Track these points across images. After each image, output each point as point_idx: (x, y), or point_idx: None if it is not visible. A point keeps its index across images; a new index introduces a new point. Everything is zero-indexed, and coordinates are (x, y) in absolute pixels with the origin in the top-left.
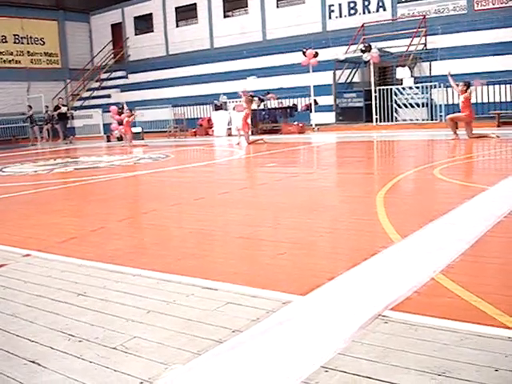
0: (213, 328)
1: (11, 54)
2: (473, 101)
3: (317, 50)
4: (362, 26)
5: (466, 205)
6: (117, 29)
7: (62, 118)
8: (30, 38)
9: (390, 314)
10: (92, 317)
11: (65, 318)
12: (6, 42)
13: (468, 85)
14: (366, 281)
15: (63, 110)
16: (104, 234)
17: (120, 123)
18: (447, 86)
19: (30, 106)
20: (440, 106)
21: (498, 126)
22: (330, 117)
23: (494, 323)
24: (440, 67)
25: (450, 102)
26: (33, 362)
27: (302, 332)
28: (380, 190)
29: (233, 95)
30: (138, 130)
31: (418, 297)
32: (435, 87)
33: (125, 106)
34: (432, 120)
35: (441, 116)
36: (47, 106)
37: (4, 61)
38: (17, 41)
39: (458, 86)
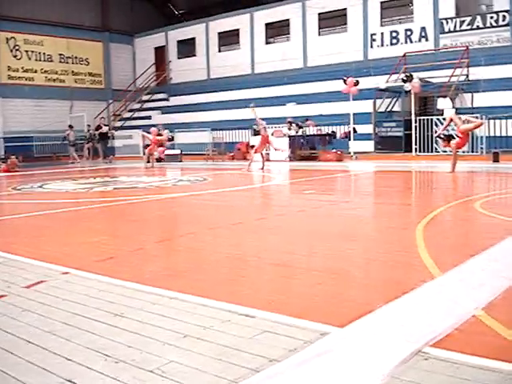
0: (249, 356)
1: (56, 72)
2: (503, 134)
3: (358, 79)
4: (404, 55)
5: (508, 240)
6: (160, 52)
7: (103, 137)
8: (75, 57)
9: (431, 351)
10: (129, 338)
11: (101, 337)
12: (52, 61)
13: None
14: (405, 315)
15: (104, 129)
16: (142, 255)
17: (160, 145)
18: (489, 118)
19: (70, 126)
20: (481, 137)
21: None
22: (369, 145)
23: None
24: (482, 99)
25: (492, 134)
26: (69, 380)
27: (341, 365)
28: (419, 222)
29: (272, 121)
30: (177, 151)
31: (459, 334)
32: (477, 119)
33: (160, 128)
34: (473, 152)
35: (481, 148)
36: (89, 125)
37: (49, 79)
38: (62, 60)
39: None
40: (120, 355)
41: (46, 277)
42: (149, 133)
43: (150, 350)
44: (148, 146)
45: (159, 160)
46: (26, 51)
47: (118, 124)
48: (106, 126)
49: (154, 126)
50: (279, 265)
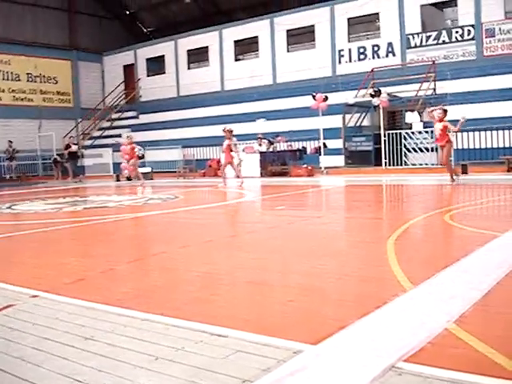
0: (222, 377)
1: (24, 92)
2: (482, 146)
3: (326, 94)
4: (372, 70)
5: (479, 252)
6: (129, 70)
7: (73, 156)
8: (43, 76)
9: (404, 366)
10: (99, 362)
11: (72, 362)
12: (19, 80)
13: (445, 111)
14: (378, 330)
15: (74, 148)
16: (112, 276)
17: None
18: (456, 131)
19: (10, 142)
20: None
21: (508, 171)
22: (339, 160)
23: (510, 376)
24: (449, 112)
25: (460, 147)
26: None
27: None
28: (390, 236)
29: (243, 137)
30: (148, 169)
31: (432, 348)
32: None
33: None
34: (441, 165)
35: (450, 161)
36: (56, 157)
37: (16, 99)
38: (30, 79)
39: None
40: (91, 380)
41: (15, 300)
42: (119, 151)
43: (121, 374)
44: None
45: (129, 178)
46: None
47: (88, 143)
48: (75, 144)
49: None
50: (251, 282)
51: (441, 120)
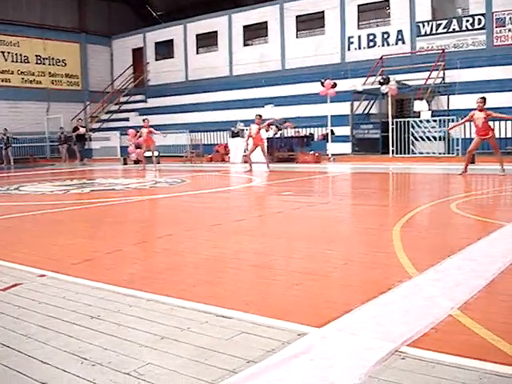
0: (227, 357)
1: (33, 74)
2: None
3: (335, 81)
4: (381, 58)
5: (484, 241)
6: (138, 53)
7: (80, 139)
8: (52, 59)
9: (408, 350)
10: (105, 341)
11: (78, 340)
12: (28, 62)
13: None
14: (382, 315)
15: (81, 131)
16: (119, 257)
17: (137, 147)
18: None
19: (5, 129)
20: (457, 139)
21: None
22: (347, 147)
23: None
24: (458, 101)
25: (468, 136)
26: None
27: (318, 366)
28: (396, 223)
29: (250, 123)
30: (155, 153)
31: (436, 333)
32: (452, 121)
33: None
34: (449, 154)
35: (457, 150)
36: (62, 128)
37: (25, 81)
38: (39, 61)
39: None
40: (96, 358)
41: (22, 279)
42: (127, 134)
43: (127, 353)
44: (138, 147)
45: (137, 162)
46: (2, 52)
47: (96, 126)
48: (82, 127)
49: (131, 127)
50: (257, 266)
51: (481, 109)
